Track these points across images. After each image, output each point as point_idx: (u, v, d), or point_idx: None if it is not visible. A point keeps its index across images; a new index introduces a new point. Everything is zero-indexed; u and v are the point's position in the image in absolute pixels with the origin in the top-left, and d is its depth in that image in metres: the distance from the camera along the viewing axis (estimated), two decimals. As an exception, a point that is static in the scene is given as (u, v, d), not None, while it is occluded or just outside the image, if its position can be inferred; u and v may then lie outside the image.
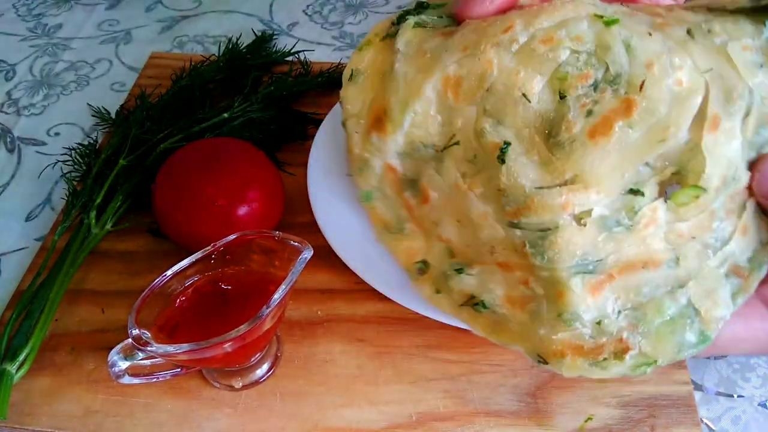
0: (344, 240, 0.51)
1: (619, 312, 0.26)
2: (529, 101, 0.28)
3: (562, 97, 0.28)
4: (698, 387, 0.48)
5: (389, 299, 0.47)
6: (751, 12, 0.28)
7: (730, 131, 0.27)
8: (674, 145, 0.27)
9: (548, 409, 0.45)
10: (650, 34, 0.28)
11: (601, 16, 0.29)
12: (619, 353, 0.25)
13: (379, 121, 0.32)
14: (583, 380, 0.46)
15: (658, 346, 0.26)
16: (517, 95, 0.28)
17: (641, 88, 0.27)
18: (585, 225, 0.25)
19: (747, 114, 0.27)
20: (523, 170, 0.27)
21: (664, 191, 0.27)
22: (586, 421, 0.45)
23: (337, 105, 0.62)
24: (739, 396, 0.48)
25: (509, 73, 0.29)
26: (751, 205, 0.27)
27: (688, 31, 0.28)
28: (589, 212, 0.26)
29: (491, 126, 0.28)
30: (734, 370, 0.49)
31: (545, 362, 0.27)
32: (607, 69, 0.28)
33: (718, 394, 0.48)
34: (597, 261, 0.25)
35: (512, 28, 0.30)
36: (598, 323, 0.26)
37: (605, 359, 0.26)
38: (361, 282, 0.48)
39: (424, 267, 0.31)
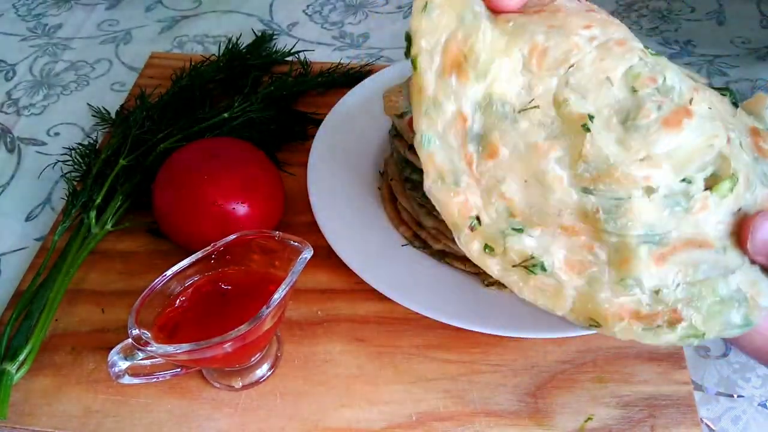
0: (344, 240, 0.51)
1: (678, 285, 0.28)
2: (612, 85, 0.32)
3: (635, 91, 0.32)
4: (698, 387, 0.48)
5: (389, 299, 0.47)
6: None
7: (738, 147, 0.31)
8: (714, 151, 0.31)
9: (548, 409, 0.45)
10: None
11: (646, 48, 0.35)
12: (673, 322, 0.27)
13: (460, 65, 0.32)
14: (583, 380, 0.47)
15: (707, 322, 0.28)
16: (602, 77, 0.32)
17: (690, 102, 0.31)
18: (653, 199, 0.28)
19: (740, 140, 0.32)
20: (605, 142, 0.30)
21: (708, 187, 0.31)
22: (586, 421, 0.45)
23: (337, 105, 0.62)
24: (739, 396, 0.48)
25: (594, 58, 0.32)
26: None
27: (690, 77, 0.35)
28: (657, 188, 0.29)
29: (576, 98, 0.31)
30: (734, 370, 0.49)
31: (597, 325, 0.28)
32: (665, 80, 0.32)
33: (718, 394, 0.48)
34: (662, 234, 0.28)
35: (591, 27, 0.33)
36: (657, 292, 0.28)
37: (659, 326, 0.28)
38: (361, 282, 0.48)
39: (477, 224, 0.30)
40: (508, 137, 0.31)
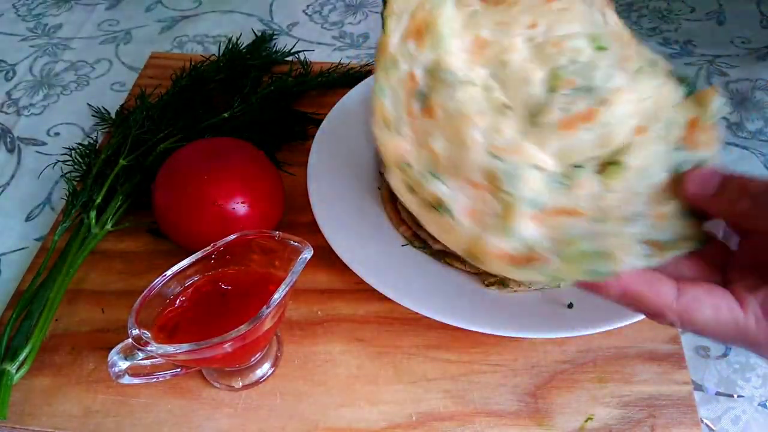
0: (344, 240, 0.51)
1: (547, 239, 0.34)
2: (529, 84, 0.38)
3: (552, 90, 0.38)
4: (698, 387, 0.48)
5: (389, 299, 0.47)
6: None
7: (652, 139, 0.36)
8: (612, 146, 0.36)
9: (548, 409, 0.45)
10: (621, 68, 0.38)
11: (596, 40, 0.39)
12: (536, 262, 0.33)
13: (420, 32, 0.38)
14: (583, 380, 0.47)
15: (567, 266, 0.33)
16: (524, 77, 0.38)
17: (603, 104, 0.37)
18: (541, 175, 0.35)
19: (667, 131, 0.37)
20: (513, 130, 0.37)
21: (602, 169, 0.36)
22: (586, 421, 0.45)
23: (337, 105, 0.62)
24: (739, 396, 0.48)
25: (524, 60, 0.39)
26: (674, 205, 0.35)
27: (641, 68, 0.39)
28: (545, 168, 0.36)
29: (498, 90, 0.38)
30: (734, 370, 0.49)
31: (479, 260, 0.34)
32: (591, 80, 0.38)
33: (718, 394, 0.48)
34: (542, 201, 0.35)
35: (536, 26, 0.40)
36: (529, 243, 0.34)
37: (525, 266, 0.33)
38: (361, 282, 0.48)
39: (406, 166, 0.37)
40: (445, 102, 0.37)
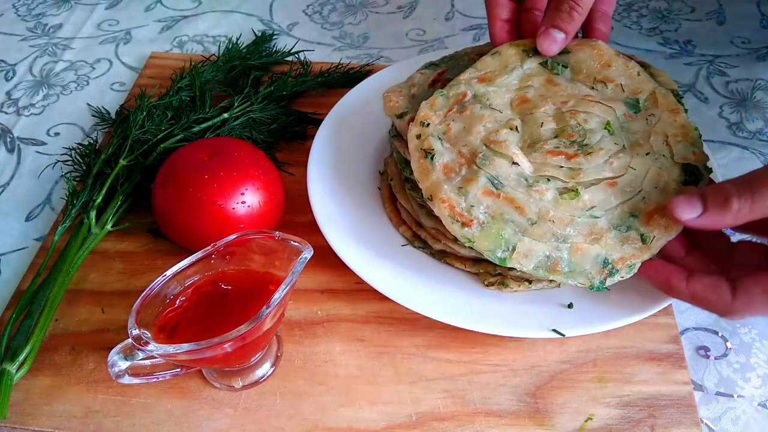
0: (344, 240, 0.51)
1: (484, 212, 0.44)
2: (541, 129, 0.48)
3: (555, 136, 0.47)
4: (698, 387, 0.48)
5: (389, 299, 0.47)
6: None
7: (615, 193, 0.44)
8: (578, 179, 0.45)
9: (548, 409, 0.45)
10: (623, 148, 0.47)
11: (607, 125, 0.48)
12: (465, 223, 0.44)
13: (486, 79, 0.51)
14: (583, 380, 0.47)
15: (480, 237, 0.43)
16: (540, 122, 0.48)
17: (587, 153, 0.46)
18: (513, 168, 0.45)
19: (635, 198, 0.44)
20: (514, 140, 0.47)
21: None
22: (586, 421, 0.45)
23: (337, 105, 0.62)
24: (738, 396, 0.48)
25: (546, 114, 0.48)
26: (614, 233, 0.43)
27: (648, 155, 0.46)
28: (519, 165, 0.46)
29: (517, 121, 0.49)
30: (734, 370, 0.49)
31: (431, 200, 0.45)
32: (584, 140, 0.47)
33: (718, 394, 0.48)
34: (501, 183, 0.45)
35: (567, 103, 0.49)
36: (471, 206, 0.44)
37: (456, 221, 0.44)
38: (361, 282, 0.48)
39: (425, 125, 0.48)
40: (471, 107, 0.49)
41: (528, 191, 0.44)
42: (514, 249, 0.43)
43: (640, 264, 0.43)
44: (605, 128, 0.47)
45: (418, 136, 0.47)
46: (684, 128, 0.46)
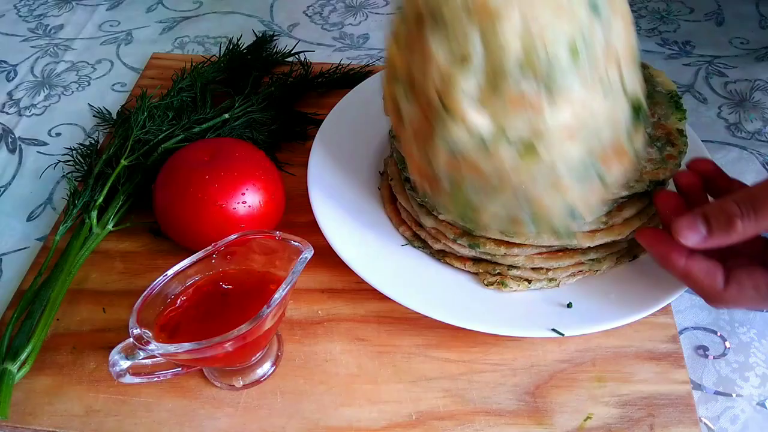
0: (344, 240, 0.51)
1: (447, 178, 0.41)
2: (505, 54, 0.40)
3: (521, 68, 0.39)
4: (697, 386, 0.48)
5: (389, 299, 0.47)
6: None
7: (575, 144, 0.40)
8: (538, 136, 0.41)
9: (547, 408, 0.46)
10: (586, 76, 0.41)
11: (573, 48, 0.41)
12: (433, 185, 0.42)
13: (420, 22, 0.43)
14: (582, 379, 0.47)
15: (449, 200, 0.42)
16: (504, 45, 0.40)
17: (550, 103, 0.39)
18: (468, 135, 0.40)
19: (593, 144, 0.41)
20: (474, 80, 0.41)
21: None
22: (585, 420, 0.45)
23: (337, 105, 0.62)
24: (737, 395, 0.48)
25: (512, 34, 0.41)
26: (575, 178, 0.41)
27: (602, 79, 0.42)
28: (473, 127, 0.39)
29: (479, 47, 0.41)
30: (733, 369, 0.49)
31: (403, 162, 0.45)
32: (550, 77, 0.40)
33: (717, 393, 0.48)
34: (460, 150, 0.40)
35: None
36: (438, 171, 0.41)
37: (424, 180, 0.43)
38: (361, 282, 0.48)
39: (396, 79, 0.43)
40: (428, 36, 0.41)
41: (486, 156, 0.40)
42: (477, 213, 0.42)
43: (603, 205, 0.43)
44: (571, 54, 0.41)
45: (391, 84, 0.43)
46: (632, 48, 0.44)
